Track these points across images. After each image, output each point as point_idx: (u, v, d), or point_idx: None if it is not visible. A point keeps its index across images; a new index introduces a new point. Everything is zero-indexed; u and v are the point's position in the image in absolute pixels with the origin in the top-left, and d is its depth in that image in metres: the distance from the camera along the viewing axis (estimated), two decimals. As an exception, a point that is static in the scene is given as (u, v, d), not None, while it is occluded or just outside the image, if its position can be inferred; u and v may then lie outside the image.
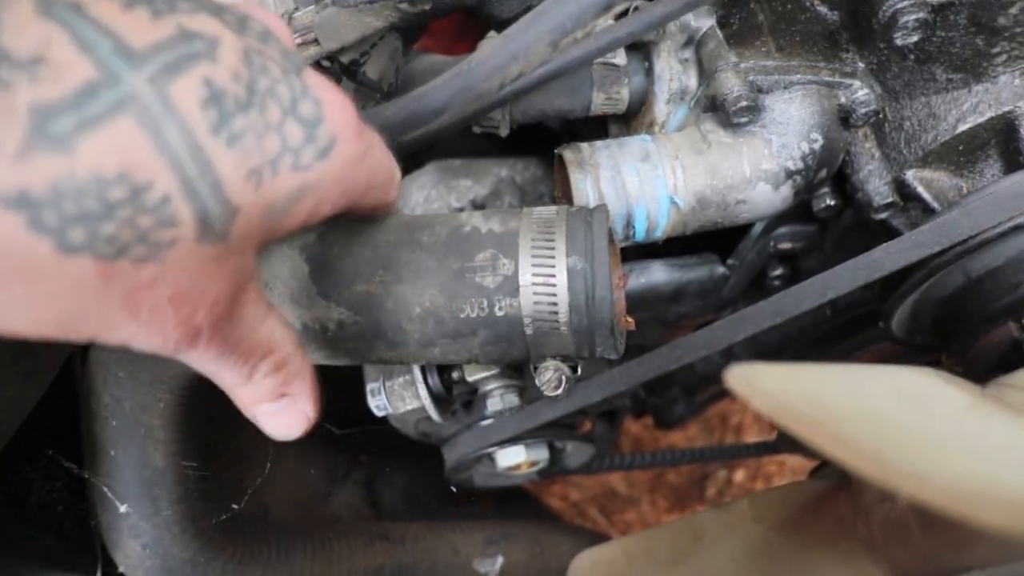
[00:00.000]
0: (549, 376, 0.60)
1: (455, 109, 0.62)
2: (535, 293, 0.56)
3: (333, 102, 0.45)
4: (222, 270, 0.42)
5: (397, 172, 0.56)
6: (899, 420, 0.44)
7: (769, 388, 0.42)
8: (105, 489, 0.71)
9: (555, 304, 0.56)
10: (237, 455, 0.92)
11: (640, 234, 0.71)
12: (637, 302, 0.81)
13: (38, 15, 0.34)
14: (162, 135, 0.37)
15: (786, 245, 0.88)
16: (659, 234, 0.72)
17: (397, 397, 0.80)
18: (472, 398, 0.92)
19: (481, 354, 0.59)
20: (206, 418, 0.81)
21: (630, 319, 0.64)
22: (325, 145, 0.44)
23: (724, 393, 1.30)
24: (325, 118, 0.44)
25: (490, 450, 0.93)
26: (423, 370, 0.79)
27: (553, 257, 0.56)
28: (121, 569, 0.76)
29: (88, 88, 0.35)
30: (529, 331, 0.57)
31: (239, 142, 0.40)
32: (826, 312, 1.01)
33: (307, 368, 0.52)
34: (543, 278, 0.56)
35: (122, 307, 0.39)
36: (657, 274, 0.80)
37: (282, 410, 0.52)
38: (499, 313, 0.57)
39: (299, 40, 0.63)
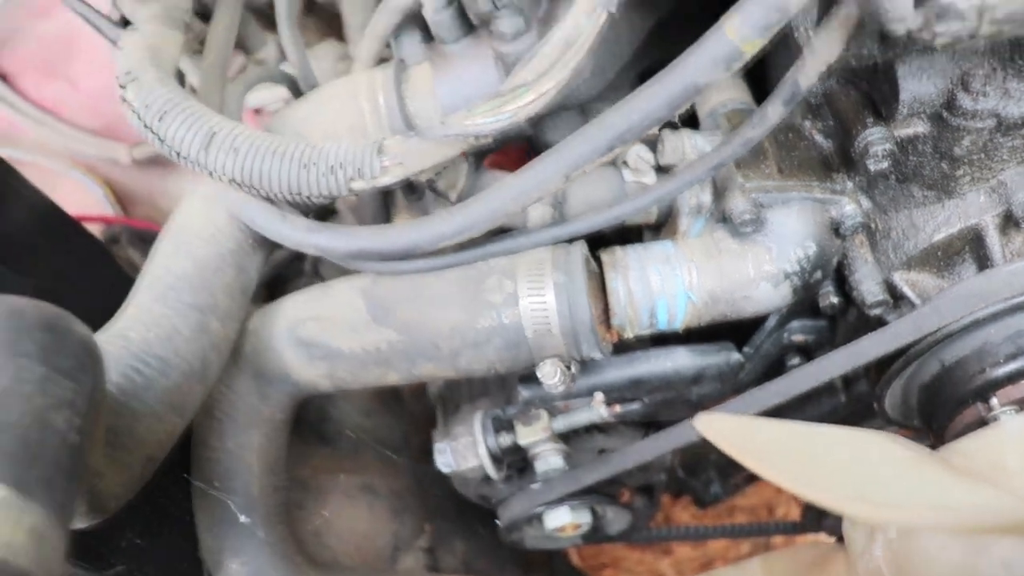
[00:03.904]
0: (548, 368, 0.78)
1: (482, 228, 0.79)
2: (531, 302, 0.76)
3: None
4: None
5: None
6: (850, 464, 0.57)
7: (735, 433, 0.56)
8: (231, 504, 0.86)
9: (545, 309, 0.76)
10: (315, 491, 1.10)
11: (662, 323, 0.86)
12: (663, 382, 0.95)
13: None
14: None
15: (799, 337, 1.01)
16: (678, 324, 0.86)
17: (460, 456, 0.95)
18: (525, 464, 1.05)
19: (497, 361, 0.79)
20: (285, 455, 0.98)
21: (611, 332, 0.84)
22: None
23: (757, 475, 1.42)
24: None
25: (539, 511, 1.06)
26: (483, 432, 0.94)
27: (542, 275, 0.77)
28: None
29: None
30: (529, 334, 0.77)
31: None
32: (841, 399, 1.13)
33: None
34: (536, 290, 0.77)
35: None
36: (681, 359, 0.95)
37: None
38: (506, 321, 0.77)
39: (388, 163, 0.79)
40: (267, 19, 1.26)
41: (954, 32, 0.57)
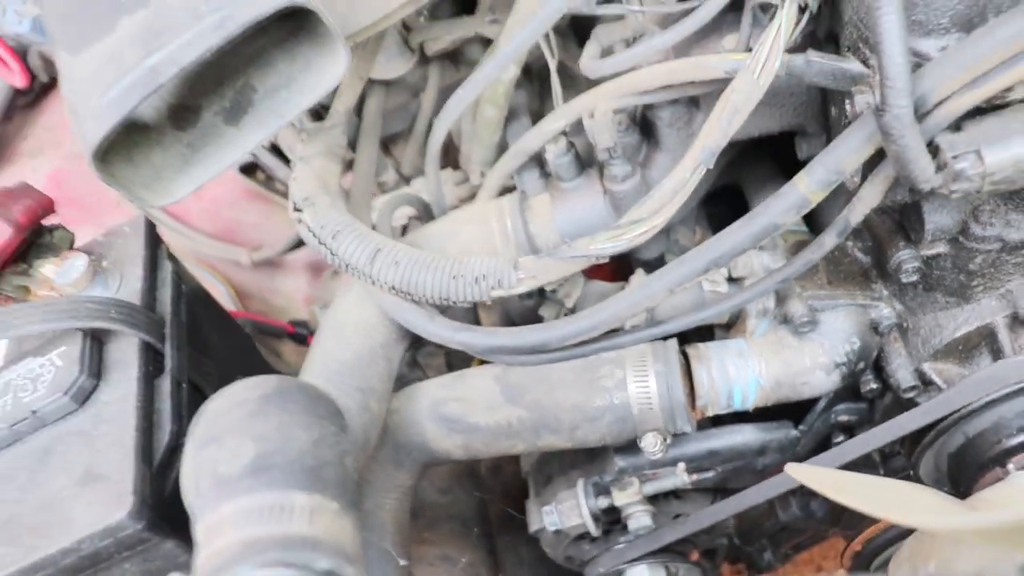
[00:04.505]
0: (650, 439, 0.99)
1: (600, 330, 1.00)
2: (637, 386, 0.96)
3: None
4: None
5: None
6: (907, 503, 0.78)
7: (819, 475, 0.76)
8: (390, 549, 1.04)
9: (648, 392, 0.96)
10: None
11: (737, 404, 1.06)
12: (734, 454, 1.15)
13: None
14: None
15: (844, 418, 1.20)
16: (750, 405, 1.06)
17: (565, 516, 1.14)
18: (611, 528, 1.24)
19: (608, 433, 0.99)
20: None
21: (696, 411, 1.03)
22: None
23: (804, 545, 1.60)
24: None
25: (621, 568, 1.24)
26: (585, 496, 1.13)
27: (645, 365, 0.97)
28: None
29: None
30: (635, 412, 0.96)
31: None
32: (880, 472, 1.32)
33: None
34: (640, 377, 0.97)
35: None
36: (749, 434, 1.14)
37: None
38: (616, 401, 0.97)
39: (523, 276, 1.00)
40: (385, 147, 1.50)
41: (965, 189, 0.78)
